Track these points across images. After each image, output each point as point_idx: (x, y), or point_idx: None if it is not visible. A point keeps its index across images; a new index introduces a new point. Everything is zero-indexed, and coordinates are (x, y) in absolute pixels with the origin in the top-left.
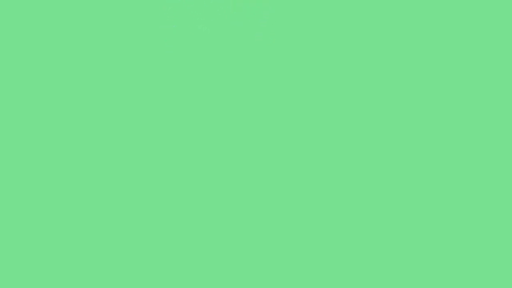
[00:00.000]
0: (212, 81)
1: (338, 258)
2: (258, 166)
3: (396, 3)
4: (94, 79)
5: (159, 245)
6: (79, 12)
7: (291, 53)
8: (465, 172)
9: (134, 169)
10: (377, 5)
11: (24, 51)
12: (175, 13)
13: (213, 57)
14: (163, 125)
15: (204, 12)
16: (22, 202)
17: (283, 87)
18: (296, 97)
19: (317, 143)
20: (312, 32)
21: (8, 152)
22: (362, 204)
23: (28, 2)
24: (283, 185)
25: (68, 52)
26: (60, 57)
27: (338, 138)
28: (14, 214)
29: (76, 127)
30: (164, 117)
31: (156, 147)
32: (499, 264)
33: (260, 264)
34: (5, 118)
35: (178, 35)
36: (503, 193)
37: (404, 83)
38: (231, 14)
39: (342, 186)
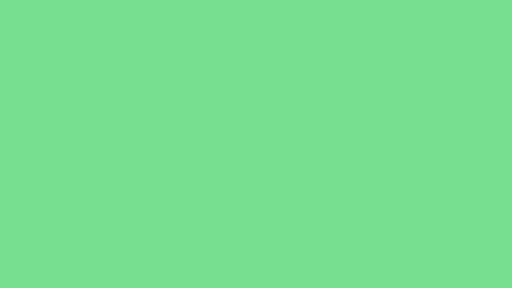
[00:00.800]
0: (212, 81)
1: (338, 258)
2: (260, 166)
3: (397, 3)
4: (94, 79)
5: (157, 244)
6: (79, 12)
7: (291, 53)
8: (464, 172)
9: (133, 168)
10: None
11: (24, 50)
12: (174, 13)
13: (213, 57)
14: (163, 125)
15: (203, 12)
16: (21, 201)
17: (283, 88)
18: (296, 98)
19: (318, 143)
20: (312, 33)
21: (6, 151)
22: (361, 203)
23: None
24: (283, 185)
25: (66, 52)
26: (59, 56)
27: (339, 138)
28: (13, 214)
29: (74, 126)
30: (163, 117)
31: (155, 146)
32: (499, 264)
33: (260, 263)
34: (3, 117)
35: (178, 35)
36: (503, 193)
37: (406, 84)
38: (231, 14)
39: (342, 185)
